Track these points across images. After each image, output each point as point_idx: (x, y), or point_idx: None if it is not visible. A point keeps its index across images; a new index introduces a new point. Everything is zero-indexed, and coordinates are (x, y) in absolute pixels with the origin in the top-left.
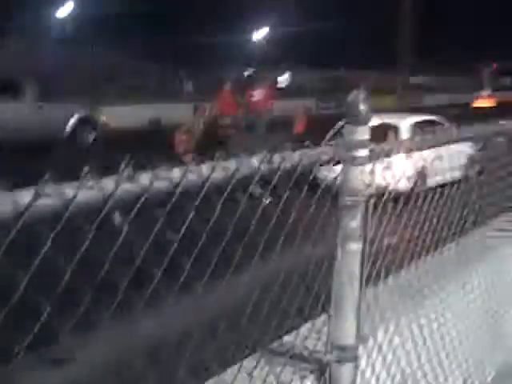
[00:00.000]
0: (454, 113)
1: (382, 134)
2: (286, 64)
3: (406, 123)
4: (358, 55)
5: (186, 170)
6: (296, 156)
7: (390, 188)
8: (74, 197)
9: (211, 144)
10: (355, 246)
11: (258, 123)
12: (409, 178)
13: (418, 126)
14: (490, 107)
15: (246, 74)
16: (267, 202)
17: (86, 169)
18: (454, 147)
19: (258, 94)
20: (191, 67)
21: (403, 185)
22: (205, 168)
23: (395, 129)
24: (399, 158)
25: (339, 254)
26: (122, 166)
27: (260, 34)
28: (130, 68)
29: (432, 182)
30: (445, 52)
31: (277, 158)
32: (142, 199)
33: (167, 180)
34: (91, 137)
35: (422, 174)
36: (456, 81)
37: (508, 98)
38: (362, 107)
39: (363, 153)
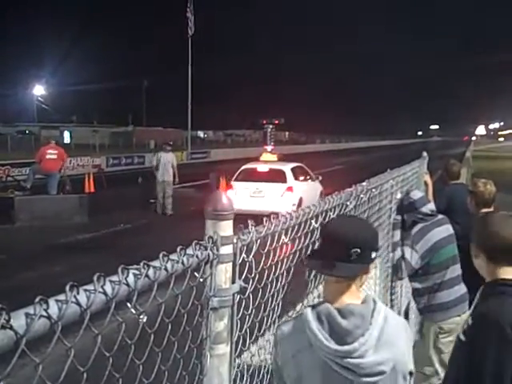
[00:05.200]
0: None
1: (274, 175)
2: (74, 120)
3: (288, 168)
4: (144, 114)
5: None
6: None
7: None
8: None
9: None
10: (224, 349)
11: (50, 183)
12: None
13: (293, 170)
14: (274, 160)
15: (26, 130)
16: (144, 320)
17: None
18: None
19: (52, 154)
20: None
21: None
22: None
23: (282, 172)
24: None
25: (207, 359)
26: None
27: (39, 90)
28: None
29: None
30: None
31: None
32: None
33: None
34: None
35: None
36: (240, 136)
37: (286, 151)
38: (226, 202)
39: (228, 250)
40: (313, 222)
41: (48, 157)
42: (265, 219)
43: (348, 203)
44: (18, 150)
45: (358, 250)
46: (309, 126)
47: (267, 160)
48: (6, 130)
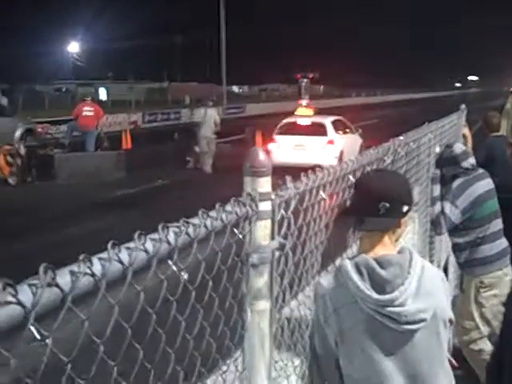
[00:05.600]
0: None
1: (315, 129)
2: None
3: (328, 121)
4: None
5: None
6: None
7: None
8: None
9: (33, 165)
10: (264, 305)
11: (88, 140)
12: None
13: (333, 123)
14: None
15: (63, 88)
16: (185, 277)
17: None
18: None
19: (88, 111)
20: (3, 79)
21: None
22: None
23: (323, 125)
24: None
25: (248, 315)
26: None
27: (75, 47)
28: None
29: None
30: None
31: (191, 230)
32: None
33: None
34: None
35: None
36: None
37: (322, 106)
38: (263, 158)
39: (266, 206)
40: (350, 177)
41: (84, 114)
42: (302, 174)
43: (385, 158)
44: (56, 108)
45: (387, 204)
46: (344, 79)
47: (303, 114)
48: (43, 88)
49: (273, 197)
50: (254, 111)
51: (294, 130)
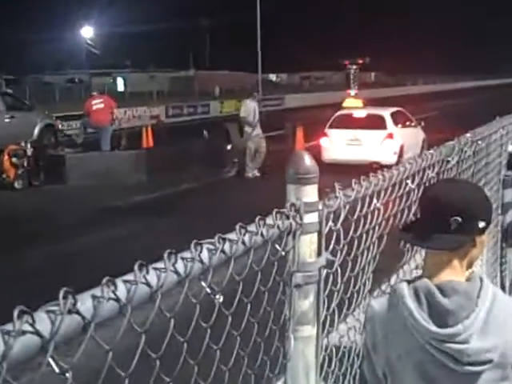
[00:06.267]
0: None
1: (372, 121)
2: (128, 65)
3: (387, 113)
4: (207, 55)
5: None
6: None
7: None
8: None
9: (42, 167)
10: (309, 331)
11: (103, 138)
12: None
13: (392, 115)
14: (360, 107)
15: (76, 78)
16: (220, 300)
17: None
18: None
19: (98, 103)
20: (8, 68)
21: None
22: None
23: (381, 117)
24: None
25: (291, 342)
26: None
27: (88, 32)
28: None
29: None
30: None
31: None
32: None
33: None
34: None
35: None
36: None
37: (373, 95)
38: (309, 163)
39: (312, 218)
40: (408, 182)
41: (95, 107)
42: (353, 181)
43: (449, 159)
44: (68, 101)
45: (459, 219)
46: (398, 65)
47: (352, 106)
48: (53, 78)
49: (320, 207)
50: (294, 103)
51: (348, 123)
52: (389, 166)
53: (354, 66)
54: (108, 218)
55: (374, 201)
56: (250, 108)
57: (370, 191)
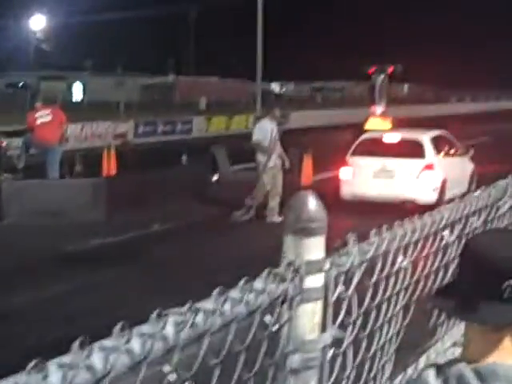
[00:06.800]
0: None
1: (407, 148)
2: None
3: (426, 137)
4: (193, 56)
5: None
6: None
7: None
8: None
9: None
10: None
11: (50, 161)
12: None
13: (434, 140)
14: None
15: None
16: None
17: None
18: None
19: (44, 116)
20: None
21: None
22: None
23: (419, 143)
24: None
25: None
26: None
27: (39, 22)
28: None
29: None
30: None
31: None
32: None
33: None
34: None
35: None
36: (336, 90)
37: (406, 114)
38: (315, 208)
39: (316, 281)
40: (445, 233)
41: (40, 121)
42: (373, 233)
43: (500, 203)
44: (7, 112)
45: None
46: (439, 75)
47: (375, 129)
48: None
49: (327, 266)
50: (301, 122)
51: (377, 149)
52: (427, 207)
53: (382, 75)
54: (51, 270)
55: (400, 258)
56: (266, 129)
57: (395, 246)
